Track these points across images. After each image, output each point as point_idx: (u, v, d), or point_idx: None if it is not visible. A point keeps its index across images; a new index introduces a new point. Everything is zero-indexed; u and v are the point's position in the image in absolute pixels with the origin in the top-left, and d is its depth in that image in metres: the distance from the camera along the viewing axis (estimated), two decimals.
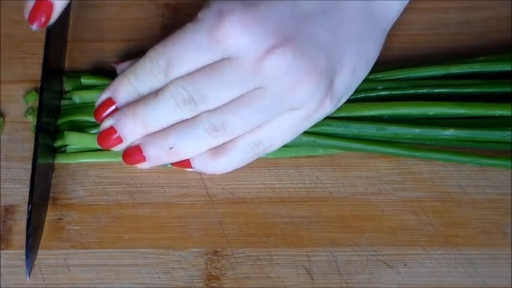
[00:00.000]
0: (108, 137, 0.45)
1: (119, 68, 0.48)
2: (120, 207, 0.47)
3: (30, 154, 0.49)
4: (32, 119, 0.49)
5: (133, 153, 0.45)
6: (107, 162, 0.48)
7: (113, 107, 0.45)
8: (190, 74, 0.43)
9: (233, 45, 0.42)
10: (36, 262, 0.46)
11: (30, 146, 0.49)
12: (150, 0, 0.53)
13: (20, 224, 0.47)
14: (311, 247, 0.46)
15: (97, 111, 0.46)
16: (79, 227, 0.47)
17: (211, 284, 0.45)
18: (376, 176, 0.48)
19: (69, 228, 0.47)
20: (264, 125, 0.44)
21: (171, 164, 0.46)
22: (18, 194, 0.48)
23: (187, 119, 0.44)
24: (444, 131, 0.46)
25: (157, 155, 0.45)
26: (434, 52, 0.51)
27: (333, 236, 0.46)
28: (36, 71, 0.51)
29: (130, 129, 0.44)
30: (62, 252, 0.46)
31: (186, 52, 0.43)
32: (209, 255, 0.46)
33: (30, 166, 0.48)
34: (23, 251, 0.46)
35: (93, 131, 0.48)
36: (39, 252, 0.46)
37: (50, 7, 0.43)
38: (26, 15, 0.44)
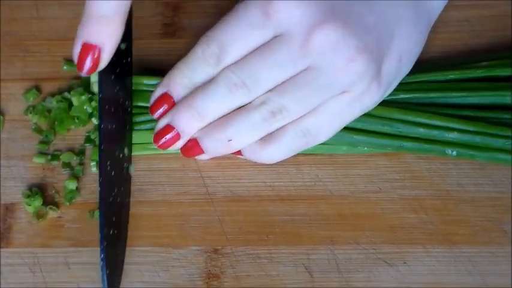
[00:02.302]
0: (165, 134, 0.45)
1: None
2: None
3: (29, 152, 0.49)
4: (32, 117, 0.49)
5: (191, 147, 0.45)
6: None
7: (170, 101, 0.45)
8: (242, 59, 0.43)
9: (284, 19, 0.41)
10: (36, 260, 0.46)
11: (29, 144, 0.49)
12: None
13: (19, 222, 0.47)
14: (311, 245, 0.46)
15: (153, 106, 0.45)
16: (79, 225, 0.47)
17: (211, 282, 0.45)
18: (375, 174, 0.48)
19: (69, 226, 0.47)
20: (311, 112, 0.43)
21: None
22: (19, 192, 0.48)
23: (242, 108, 0.44)
24: (448, 134, 0.46)
25: (215, 148, 0.45)
26: (434, 50, 0.51)
27: (333, 234, 0.46)
28: (36, 69, 0.51)
29: (188, 123, 0.44)
30: (62, 250, 0.46)
31: (237, 32, 0.42)
32: (209, 254, 0.46)
33: (30, 164, 0.48)
34: (23, 249, 0.46)
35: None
36: (39, 250, 0.46)
37: (98, 52, 0.42)
38: (75, 60, 0.42)
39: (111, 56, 0.42)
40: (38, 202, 0.47)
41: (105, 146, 0.43)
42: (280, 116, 0.43)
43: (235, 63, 0.43)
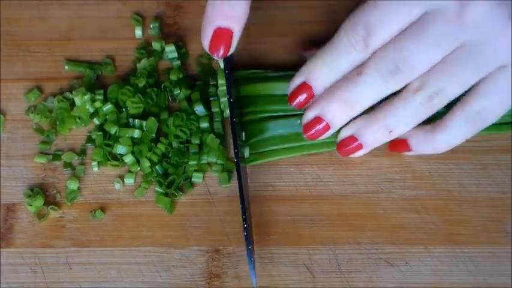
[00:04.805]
0: (314, 126, 0.44)
1: (308, 54, 0.46)
2: (121, 205, 0.47)
3: (30, 152, 0.49)
4: (33, 117, 0.49)
5: (348, 144, 0.45)
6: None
7: (309, 91, 0.44)
8: (391, 42, 0.41)
9: None
10: (37, 260, 0.46)
11: (30, 144, 0.49)
12: None
13: (20, 222, 0.47)
14: (312, 245, 0.46)
15: (292, 96, 0.44)
16: (80, 225, 0.47)
17: (212, 282, 0.45)
18: (377, 174, 0.48)
19: (70, 226, 0.47)
20: (478, 94, 0.42)
21: (389, 148, 0.45)
22: (20, 192, 0.48)
23: (396, 96, 0.42)
24: None
25: (375, 139, 0.44)
26: None
27: (334, 234, 0.46)
28: (37, 69, 0.51)
29: (337, 114, 0.43)
30: (63, 250, 0.46)
31: (385, 12, 0.41)
32: (210, 254, 0.46)
33: (31, 164, 0.48)
34: (24, 250, 0.46)
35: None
36: (40, 250, 0.46)
37: (230, 35, 0.42)
38: (205, 45, 0.42)
39: (239, 38, 0.42)
40: (39, 202, 0.47)
41: (235, 126, 0.44)
42: (438, 99, 0.42)
43: (385, 47, 0.41)
